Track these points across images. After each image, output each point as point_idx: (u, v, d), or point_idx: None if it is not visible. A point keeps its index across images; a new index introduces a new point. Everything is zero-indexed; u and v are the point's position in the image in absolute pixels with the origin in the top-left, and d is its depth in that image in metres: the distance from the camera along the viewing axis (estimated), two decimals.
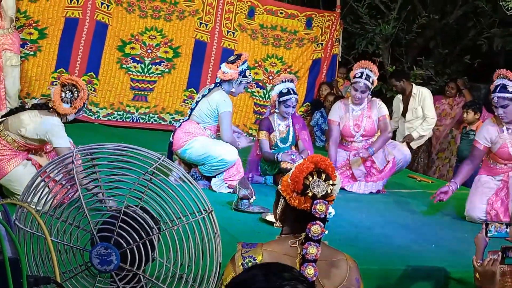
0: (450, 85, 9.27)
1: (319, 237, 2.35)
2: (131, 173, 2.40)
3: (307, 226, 2.33)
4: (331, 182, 2.40)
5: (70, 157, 2.38)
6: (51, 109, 4.66)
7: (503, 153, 5.40)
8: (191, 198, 2.39)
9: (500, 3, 6.60)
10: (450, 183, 5.56)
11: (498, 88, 5.27)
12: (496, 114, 5.37)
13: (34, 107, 4.74)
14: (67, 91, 4.65)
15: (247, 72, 5.92)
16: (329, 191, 2.37)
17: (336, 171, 2.50)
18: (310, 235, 2.33)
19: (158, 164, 2.36)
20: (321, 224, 2.34)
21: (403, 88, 8.23)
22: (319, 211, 2.32)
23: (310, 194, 2.35)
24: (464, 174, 5.59)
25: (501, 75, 5.32)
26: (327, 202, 2.36)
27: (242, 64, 5.85)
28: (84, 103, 4.73)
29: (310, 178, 2.38)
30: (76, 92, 4.66)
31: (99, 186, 2.40)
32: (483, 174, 5.62)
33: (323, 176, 2.38)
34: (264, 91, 9.56)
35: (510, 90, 5.23)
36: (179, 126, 5.88)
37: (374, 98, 6.59)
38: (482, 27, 10.40)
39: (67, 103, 4.65)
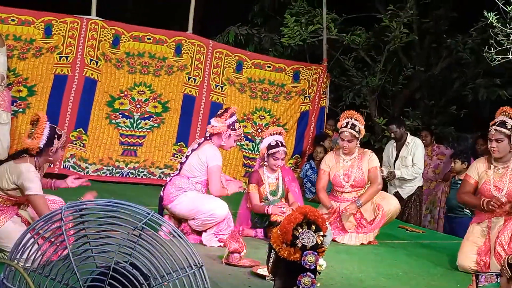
0: (423, 133, 9.33)
1: None
2: (121, 228, 2.39)
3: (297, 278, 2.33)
4: (321, 233, 2.41)
5: (59, 213, 2.38)
6: (25, 156, 4.61)
7: (485, 190, 5.45)
8: (181, 253, 2.38)
9: (484, 54, 6.72)
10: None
11: (498, 123, 5.38)
12: (489, 147, 5.44)
13: (11, 157, 4.70)
14: (34, 128, 4.62)
15: (236, 125, 5.95)
16: (319, 242, 2.37)
17: (326, 222, 2.51)
18: (301, 287, 2.32)
19: (148, 219, 2.36)
20: (312, 275, 2.33)
21: (402, 135, 8.25)
22: (309, 262, 2.32)
23: (299, 245, 2.35)
24: (472, 196, 5.61)
25: (504, 112, 5.43)
26: (317, 253, 2.35)
27: (230, 117, 5.89)
28: (50, 138, 4.61)
29: (300, 229, 2.38)
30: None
31: (88, 243, 2.39)
32: (474, 223, 5.64)
33: (313, 227, 2.39)
34: (253, 144, 9.60)
35: (508, 127, 5.33)
36: (169, 181, 5.86)
37: (366, 150, 6.67)
38: (467, 78, 10.58)
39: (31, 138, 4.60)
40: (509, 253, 5.17)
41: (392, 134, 8.30)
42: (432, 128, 10.39)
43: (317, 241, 2.38)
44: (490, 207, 5.32)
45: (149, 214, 2.37)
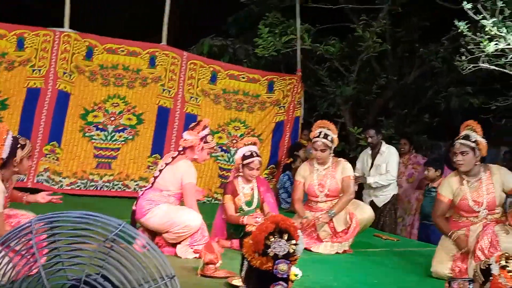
0: (402, 141, 9.39)
1: None
2: (92, 240, 2.37)
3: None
4: (293, 242, 2.40)
5: (29, 226, 2.35)
6: None
7: (464, 206, 5.50)
8: (153, 264, 2.37)
9: (455, 63, 6.80)
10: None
11: (462, 137, 5.48)
12: (454, 160, 5.51)
13: None
14: None
15: (209, 138, 5.94)
16: (291, 251, 2.37)
17: (299, 231, 2.51)
18: None
19: (119, 231, 2.34)
20: (284, 284, 2.33)
21: (378, 142, 8.30)
22: (281, 271, 2.32)
23: (271, 254, 2.35)
24: (446, 224, 5.67)
25: (468, 126, 5.53)
26: (289, 262, 2.35)
27: (203, 130, 5.88)
28: (13, 148, 4.53)
29: (271, 238, 2.38)
30: None
31: (59, 255, 2.37)
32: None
33: (285, 236, 2.39)
34: (229, 155, 9.60)
35: (472, 140, 5.43)
36: (141, 194, 5.81)
37: (340, 159, 6.70)
38: (439, 86, 10.68)
39: None
40: (489, 257, 5.23)
41: (369, 139, 8.30)
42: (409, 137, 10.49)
43: (289, 250, 2.38)
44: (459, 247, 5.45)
45: (120, 225, 2.36)
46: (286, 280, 2.38)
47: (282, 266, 2.35)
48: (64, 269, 2.43)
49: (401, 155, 9.11)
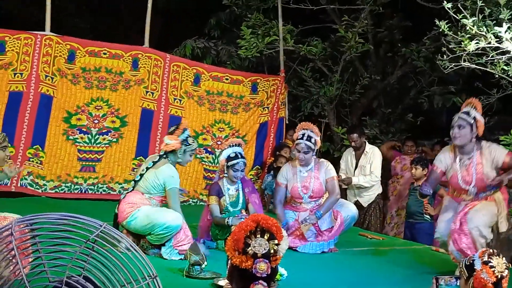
0: (409, 143, 9.40)
1: None
2: (73, 242, 2.36)
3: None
4: (275, 241, 2.40)
5: (9, 229, 2.34)
6: None
7: (454, 183, 5.60)
8: (135, 264, 2.36)
9: (437, 62, 6.83)
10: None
11: (462, 111, 5.56)
12: (451, 133, 5.56)
13: None
14: None
15: (190, 140, 5.93)
16: (272, 251, 2.36)
17: (283, 230, 2.51)
18: None
19: (100, 232, 2.34)
20: (264, 283, 2.32)
21: (362, 144, 8.32)
22: (260, 270, 2.31)
23: (250, 253, 2.34)
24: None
25: (470, 103, 5.61)
26: (268, 261, 2.34)
27: (182, 132, 5.87)
28: None
29: (252, 237, 2.37)
30: None
31: (41, 257, 2.36)
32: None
33: (267, 235, 2.38)
34: (213, 156, 9.58)
35: (471, 115, 5.49)
36: (123, 198, 5.82)
37: (322, 160, 6.71)
38: (422, 86, 10.74)
39: None
40: (457, 239, 5.35)
41: (352, 142, 8.35)
42: (390, 136, 10.53)
43: (269, 249, 2.37)
44: None
45: (101, 226, 2.35)
46: (267, 279, 2.37)
47: (261, 265, 2.34)
48: (46, 271, 2.42)
49: (407, 155, 9.16)
